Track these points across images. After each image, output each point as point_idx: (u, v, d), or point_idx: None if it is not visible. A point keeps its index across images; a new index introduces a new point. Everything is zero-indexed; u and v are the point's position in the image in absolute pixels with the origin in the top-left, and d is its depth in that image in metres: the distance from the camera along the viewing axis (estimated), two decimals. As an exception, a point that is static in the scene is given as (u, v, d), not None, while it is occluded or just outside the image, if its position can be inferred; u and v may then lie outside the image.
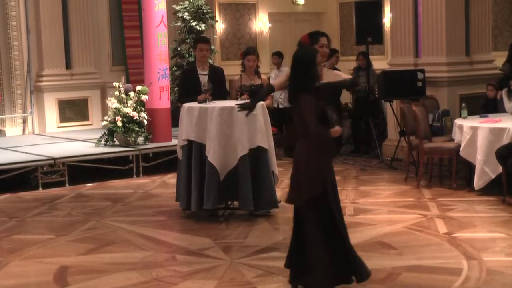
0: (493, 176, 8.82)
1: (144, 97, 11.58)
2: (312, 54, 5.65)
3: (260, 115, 8.11)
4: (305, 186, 5.50)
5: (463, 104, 10.12)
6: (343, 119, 13.61)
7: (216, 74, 9.02)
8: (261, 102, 8.06)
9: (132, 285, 6.11)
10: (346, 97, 14.07)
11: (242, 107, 6.70)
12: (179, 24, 14.26)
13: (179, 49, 14.33)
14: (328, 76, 6.42)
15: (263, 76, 9.23)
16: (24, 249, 7.33)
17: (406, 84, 11.08)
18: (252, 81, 8.93)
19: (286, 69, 14.02)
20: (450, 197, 9.08)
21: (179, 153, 8.53)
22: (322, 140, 5.54)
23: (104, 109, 13.67)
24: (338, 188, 7.98)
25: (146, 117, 11.62)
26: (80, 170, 10.98)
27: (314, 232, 5.51)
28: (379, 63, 14.31)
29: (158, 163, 11.54)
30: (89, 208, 9.23)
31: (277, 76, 14.09)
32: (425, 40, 11.54)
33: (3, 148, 11.82)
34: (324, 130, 5.53)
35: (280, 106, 13.87)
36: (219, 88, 8.89)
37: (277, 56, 14.26)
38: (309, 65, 5.57)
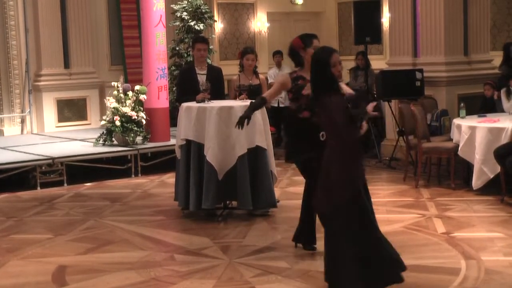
0: (492, 176, 8.83)
1: (142, 97, 11.58)
2: (328, 54, 5.61)
3: (258, 115, 8.11)
4: (338, 190, 5.38)
5: (462, 104, 10.13)
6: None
7: (214, 73, 9.02)
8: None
9: (130, 285, 6.11)
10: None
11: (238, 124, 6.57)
12: (177, 23, 14.26)
13: (177, 48, 14.34)
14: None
15: (261, 76, 9.23)
16: (22, 248, 7.32)
17: (404, 84, 11.09)
18: (250, 81, 8.94)
19: (284, 72, 14.06)
20: (448, 196, 9.08)
21: (178, 153, 8.53)
22: (354, 140, 5.44)
23: (103, 108, 13.67)
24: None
25: (145, 117, 11.62)
26: (78, 170, 10.98)
27: (341, 240, 5.39)
28: (378, 63, 14.31)
29: (156, 162, 11.54)
30: (87, 207, 9.23)
31: (276, 74, 14.11)
32: (423, 40, 11.55)
33: (1, 148, 11.81)
34: (355, 129, 5.44)
35: (281, 106, 13.88)
36: (218, 87, 8.89)
37: (280, 55, 14.26)
38: (325, 64, 5.53)
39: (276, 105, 13.64)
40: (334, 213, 5.44)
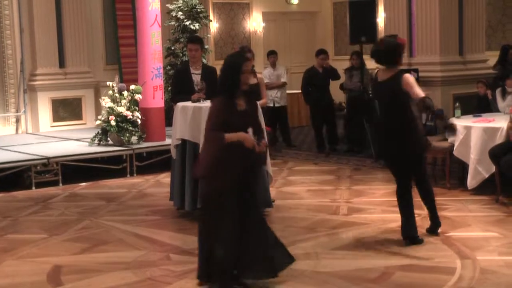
0: (487, 176, 8.84)
1: (137, 96, 11.57)
2: (239, 61, 5.82)
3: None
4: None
5: (457, 104, 10.13)
6: (336, 118, 13.65)
7: (209, 73, 9.00)
8: (255, 101, 8.06)
9: (126, 285, 6.11)
10: (340, 97, 14.09)
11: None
12: (173, 23, 14.25)
13: (173, 48, 14.33)
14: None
15: (259, 75, 9.22)
16: (17, 248, 7.32)
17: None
18: (247, 80, 8.90)
19: (279, 71, 14.07)
20: (443, 196, 9.08)
21: (173, 153, 8.53)
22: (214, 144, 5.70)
23: (98, 108, 13.65)
24: (332, 188, 8.03)
25: (140, 117, 11.61)
26: (73, 170, 10.96)
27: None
28: (373, 63, 14.27)
29: (152, 162, 11.53)
30: (82, 207, 9.22)
31: (271, 74, 14.11)
32: (419, 40, 11.57)
33: (-4, 148, 11.81)
34: (220, 134, 5.64)
35: (276, 105, 13.88)
36: (213, 87, 8.87)
37: (275, 55, 14.28)
38: (235, 71, 5.74)
39: (272, 105, 13.64)
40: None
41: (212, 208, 5.77)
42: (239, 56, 6.09)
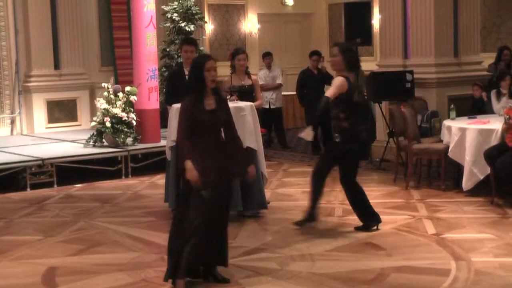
0: (482, 177, 8.86)
1: (133, 98, 11.56)
2: (204, 59, 6.01)
3: (249, 116, 8.11)
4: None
5: (452, 105, 10.15)
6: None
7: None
8: (250, 103, 8.09)
9: (120, 286, 6.11)
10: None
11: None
12: (168, 24, 14.24)
13: (168, 50, 14.31)
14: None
15: (253, 76, 9.22)
16: (12, 250, 7.31)
17: (395, 85, 11.11)
18: (242, 82, 8.92)
19: (275, 73, 14.08)
20: (438, 198, 9.10)
21: (168, 154, 8.53)
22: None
23: (93, 109, 13.64)
24: (327, 189, 8.04)
25: (135, 118, 11.60)
26: (68, 171, 10.95)
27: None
28: (368, 64, 14.33)
29: (147, 164, 11.52)
30: (77, 209, 9.22)
31: (266, 76, 14.12)
32: (414, 42, 11.58)
33: (-9, 149, 11.79)
34: (186, 146, 5.81)
35: (272, 107, 13.89)
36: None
37: (270, 57, 14.28)
38: (199, 69, 5.91)
39: (267, 106, 13.64)
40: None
41: (181, 203, 6.04)
42: (203, 56, 6.56)
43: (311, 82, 13.21)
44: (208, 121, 5.84)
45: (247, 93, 8.65)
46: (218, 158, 5.86)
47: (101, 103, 11.59)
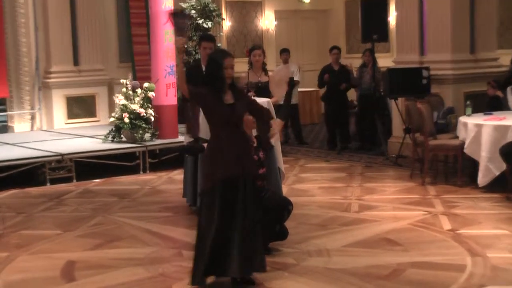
0: (498, 173, 8.86)
1: (151, 94, 11.63)
2: (220, 56, 5.96)
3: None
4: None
5: (468, 102, 10.14)
6: (349, 116, 13.68)
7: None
8: (267, 99, 8.12)
9: (138, 281, 6.15)
10: (351, 94, 14.11)
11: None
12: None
13: (185, 46, 14.36)
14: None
15: (270, 73, 9.25)
16: (31, 244, 7.38)
17: (411, 82, 11.11)
18: (259, 78, 8.95)
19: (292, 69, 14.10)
20: (454, 194, 9.10)
21: (185, 139, 8.57)
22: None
23: (111, 105, 13.74)
24: (343, 185, 8.07)
25: (153, 114, 11.66)
26: (87, 166, 11.03)
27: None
28: (385, 61, 14.34)
29: (164, 159, 11.59)
30: (96, 203, 9.29)
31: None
32: (430, 38, 11.56)
33: (11, 144, 11.89)
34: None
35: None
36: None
37: (287, 53, 14.31)
38: (217, 67, 5.87)
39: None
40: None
41: (201, 206, 6.01)
42: (220, 52, 6.56)
43: (330, 78, 13.21)
44: (225, 112, 5.81)
45: (263, 89, 8.68)
46: (238, 148, 5.82)
47: (119, 99, 11.66)
